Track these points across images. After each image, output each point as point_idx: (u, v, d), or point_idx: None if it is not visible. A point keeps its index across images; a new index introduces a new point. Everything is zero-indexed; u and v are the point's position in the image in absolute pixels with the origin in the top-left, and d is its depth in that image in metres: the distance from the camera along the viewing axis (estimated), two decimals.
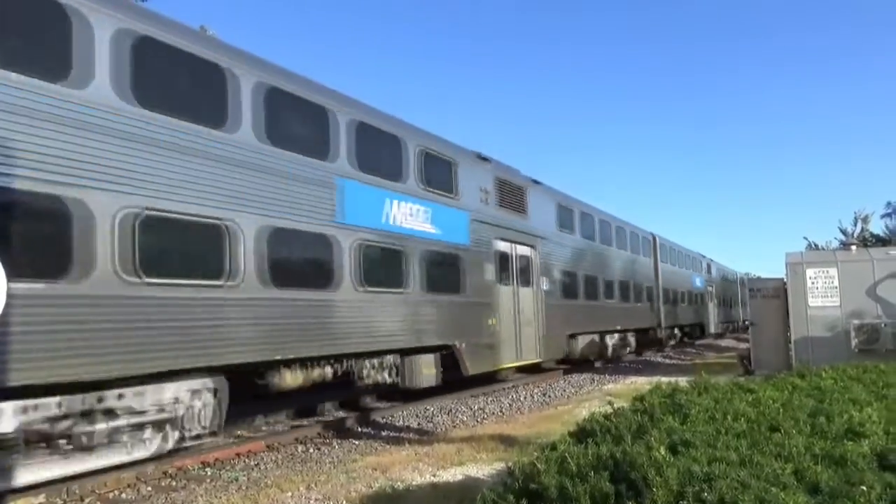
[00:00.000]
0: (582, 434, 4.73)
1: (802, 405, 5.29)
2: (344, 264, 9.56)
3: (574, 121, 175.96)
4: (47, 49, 6.34)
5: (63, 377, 6.13)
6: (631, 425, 4.57)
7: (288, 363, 9.05)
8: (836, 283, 14.57)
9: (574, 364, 18.88)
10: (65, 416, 6.39)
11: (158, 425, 7.34)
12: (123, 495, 6.76)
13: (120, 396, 6.83)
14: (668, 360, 23.81)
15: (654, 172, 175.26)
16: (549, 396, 13.74)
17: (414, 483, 6.65)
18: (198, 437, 7.79)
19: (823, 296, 14.63)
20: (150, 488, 6.97)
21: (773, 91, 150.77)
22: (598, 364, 20.56)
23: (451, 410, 11.77)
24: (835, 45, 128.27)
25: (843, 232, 31.73)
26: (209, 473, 7.53)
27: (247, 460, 8.16)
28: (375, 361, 10.79)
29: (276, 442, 9.01)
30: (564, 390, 14.77)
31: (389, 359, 11.00)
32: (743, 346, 26.39)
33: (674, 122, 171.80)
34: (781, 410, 5.05)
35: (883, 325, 13.78)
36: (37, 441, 6.31)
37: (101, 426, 6.70)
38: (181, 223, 7.32)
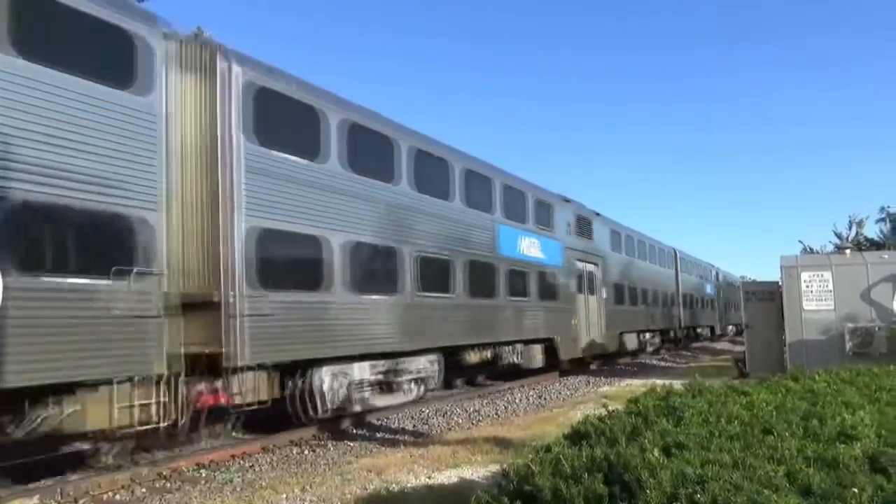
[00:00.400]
0: (576, 436, 4.73)
1: (796, 408, 5.31)
2: (501, 283, 14.42)
3: (572, 123, 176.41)
4: (311, 140, 9.53)
5: (386, 349, 10.68)
6: (625, 427, 4.58)
7: (472, 347, 13.84)
8: (830, 286, 14.64)
9: (574, 365, 19.01)
10: (384, 372, 10.84)
11: (417, 381, 11.82)
12: (118, 497, 6.76)
13: (403, 363, 11.27)
14: (662, 363, 23.87)
15: (651, 174, 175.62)
16: (545, 399, 13.76)
17: (409, 485, 6.66)
18: (432, 389, 12.76)
19: (818, 299, 14.69)
20: (144, 490, 6.96)
21: (771, 95, 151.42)
22: (593, 367, 20.71)
23: (446, 412, 11.78)
24: (832, 49, 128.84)
25: (838, 236, 31.85)
26: (204, 475, 7.52)
27: (241, 462, 8.16)
28: (510, 348, 15.31)
29: (271, 444, 9.01)
30: (560, 393, 14.79)
31: (518, 347, 15.54)
32: (738, 348, 26.46)
33: (671, 125, 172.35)
34: (775, 413, 5.06)
35: (877, 329, 13.85)
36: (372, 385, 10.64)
37: (398, 379, 11.15)
38: (430, 259, 12.05)
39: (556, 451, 3.98)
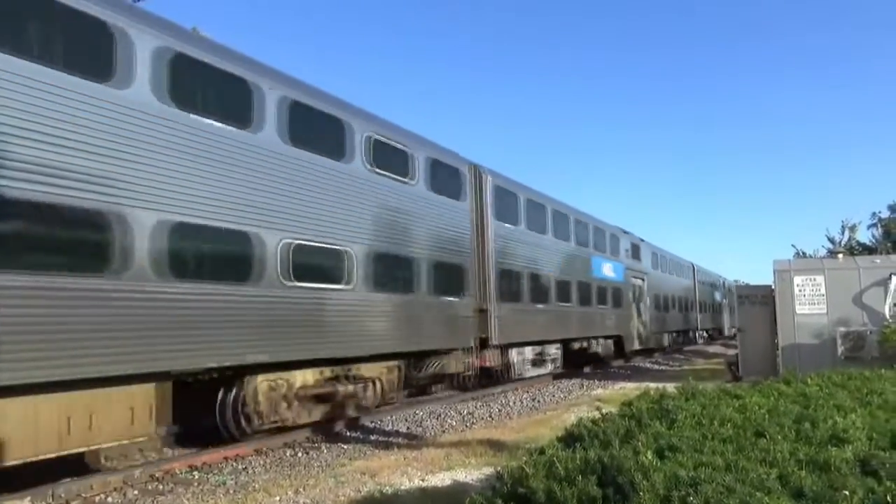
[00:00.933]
0: (570, 439, 4.75)
1: (788, 411, 5.34)
2: (594, 295, 20.54)
3: (569, 123, 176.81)
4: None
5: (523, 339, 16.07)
6: (619, 430, 4.60)
7: (578, 339, 19.45)
8: (823, 290, 14.71)
9: (575, 367, 19.15)
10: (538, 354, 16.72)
11: (552, 361, 17.80)
12: (110, 499, 6.73)
13: (546, 348, 17.35)
14: (656, 366, 23.92)
15: (647, 174, 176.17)
16: (539, 402, 13.78)
17: (402, 487, 6.66)
18: (556, 368, 18.25)
19: (811, 303, 14.77)
20: (136, 492, 6.94)
21: (768, 96, 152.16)
22: (587, 370, 20.81)
23: (440, 415, 11.78)
24: (830, 49, 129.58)
25: (831, 240, 31.99)
26: (196, 477, 7.50)
27: (234, 464, 8.13)
28: (595, 342, 20.88)
29: (265, 446, 8.98)
30: (553, 395, 14.81)
31: (601, 341, 21.37)
32: (731, 352, 26.53)
33: (667, 126, 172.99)
34: (767, 416, 5.09)
35: (868, 333, 13.92)
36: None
37: (543, 358, 17.13)
38: (561, 282, 18.23)
39: (550, 453, 3.99)
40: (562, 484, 3.42)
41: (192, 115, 7.71)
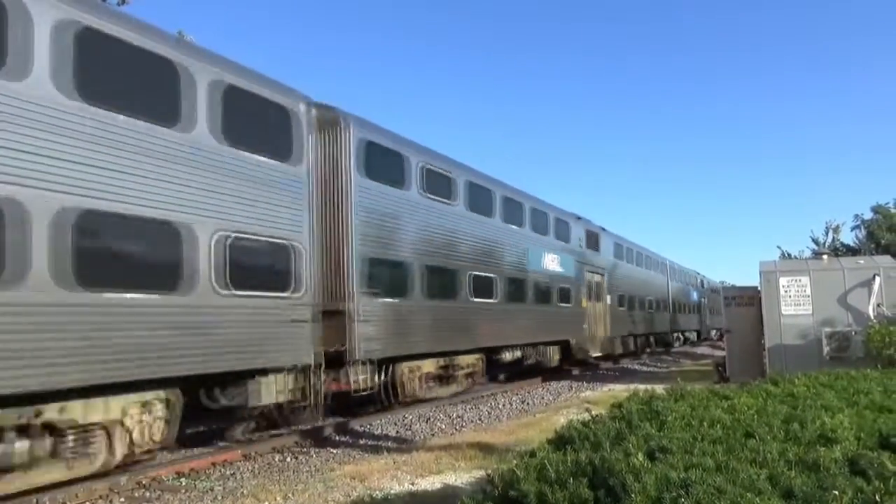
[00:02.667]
0: (560, 441, 4.74)
1: (776, 412, 5.37)
2: (531, 291, 16.95)
3: (558, 128, 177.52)
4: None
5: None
6: (609, 432, 4.60)
7: (507, 347, 16.19)
8: (808, 291, 14.83)
9: (557, 371, 19.11)
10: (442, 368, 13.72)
11: (468, 375, 14.66)
12: None
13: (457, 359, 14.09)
14: (644, 368, 24.02)
15: (632, 179, 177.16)
16: (528, 404, 13.78)
17: (392, 492, 6.63)
18: (474, 384, 15.10)
19: (796, 304, 14.88)
20: (123, 499, 6.86)
21: (749, 103, 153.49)
22: (576, 371, 20.83)
23: (429, 418, 11.75)
24: (813, 58, 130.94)
25: (816, 242, 32.35)
26: (184, 483, 7.42)
27: (223, 470, 8.06)
28: (533, 349, 17.43)
29: (253, 451, 8.91)
30: (543, 398, 14.82)
31: (542, 348, 17.96)
32: (718, 353, 26.72)
33: (654, 130, 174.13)
34: (756, 417, 5.11)
35: (853, 333, 14.05)
36: None
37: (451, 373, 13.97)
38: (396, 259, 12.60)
39: (541, 456, 3.98)
40: (553, 486, 3.41)
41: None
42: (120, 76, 7.13)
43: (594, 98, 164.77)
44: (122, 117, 6.95)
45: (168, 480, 7.53)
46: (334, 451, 9.07)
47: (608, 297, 23.04)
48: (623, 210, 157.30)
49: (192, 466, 8.01)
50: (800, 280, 14.95)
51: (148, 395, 7.37)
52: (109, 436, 7.04)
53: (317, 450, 9.19)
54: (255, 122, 8.77)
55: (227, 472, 7.92)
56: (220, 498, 6.75)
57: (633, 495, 3.15)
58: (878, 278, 14.32)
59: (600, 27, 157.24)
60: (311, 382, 9.24)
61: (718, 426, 4.70)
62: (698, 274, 45.13)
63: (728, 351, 16.84)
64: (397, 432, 10.54)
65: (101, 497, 6.84)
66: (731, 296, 17.32)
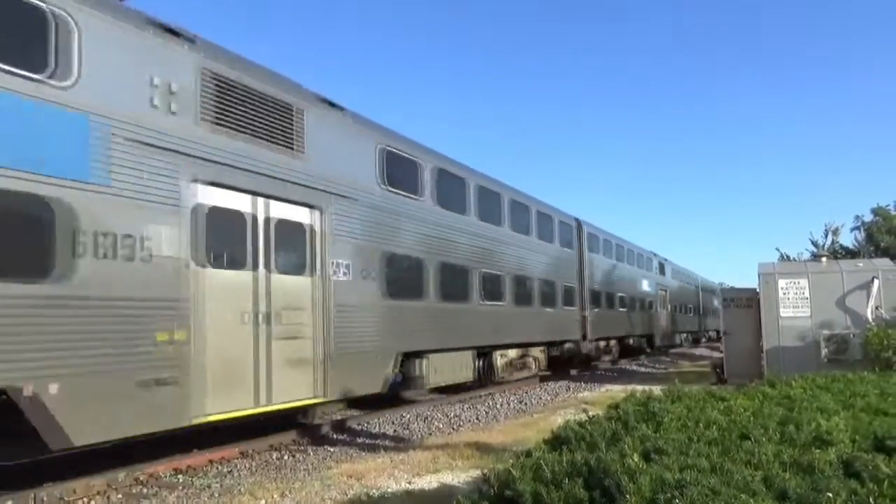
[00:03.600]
0: (557, 441, 4.76)
1: (772, 413, 5.39)
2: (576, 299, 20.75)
3: (556, 128, 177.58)
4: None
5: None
6: (605, 433, 4.62)
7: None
8: (806, 293, 14.86)
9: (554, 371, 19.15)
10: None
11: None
12: (93, 503, 6.65)
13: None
14: (642, 369, 24.04)
15: (633, 181, 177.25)
16: (526, 404, 13.79)
17: (389, 490, 6.64)
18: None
19: (795, 306, 14.91)
20: (120, 495, 6.87)
21: (750, 103, 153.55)
22: (574, 372, 20.88)
23: (427, 417, 11.76)
24: (813, 59, 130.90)
25: (815, 244, 32.37)
26: (181, 480, 7.43)
27: (220, 467, 8.07)
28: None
29: (250, 448, 8.92)
30: (541, 398, 14.84)
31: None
32: (716, 355, 26.74)
33: (653, 130, 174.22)
34: (752, 419, 5.14)
35: (851, 336, 14.07)
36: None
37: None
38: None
39: (537, 456, 4.00)
40: (549, 486, 3.43)
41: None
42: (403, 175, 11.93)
43: (592, 98, 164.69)
44: (411, 200, 12.17)
45: (165, 477, 7.54)
46: (332, 450, 9.08)
47: (669, 306, 31.35)
48: (621, 209, 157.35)
49: (190, 463, 8.02)
50: (798, 282, 14.98)
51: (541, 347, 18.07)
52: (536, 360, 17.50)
53: (314, 448, 9.20)
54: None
55: (225, 470, 7.93)
56: (216, 495, 6.75)
57: (627, 496, 3.16)
58: (876, 281, 14.34)
59: (600, 27, 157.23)
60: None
61: (714, 427, 4.72)
62: (717, 284, 50.50)
63: (726, 352, 16.86)
64: (395, 431, 10.56)
65: (98, 493, 6.85)
66: (730, 297, 17.34)
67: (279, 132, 9.11)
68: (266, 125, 8.91)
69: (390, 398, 12.51)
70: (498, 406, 13.35)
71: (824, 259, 17.18)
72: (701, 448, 4.07)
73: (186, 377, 7.31)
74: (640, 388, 10.25)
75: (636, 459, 3.66)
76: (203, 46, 8.19)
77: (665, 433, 4.57)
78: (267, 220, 8.81)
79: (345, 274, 10.01)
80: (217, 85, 8.21)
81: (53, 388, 6.11)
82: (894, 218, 27.33)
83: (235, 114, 8.43)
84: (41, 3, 6.37)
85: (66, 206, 6.34)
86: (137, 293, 6.90)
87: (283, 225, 9.07)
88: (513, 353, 16.43)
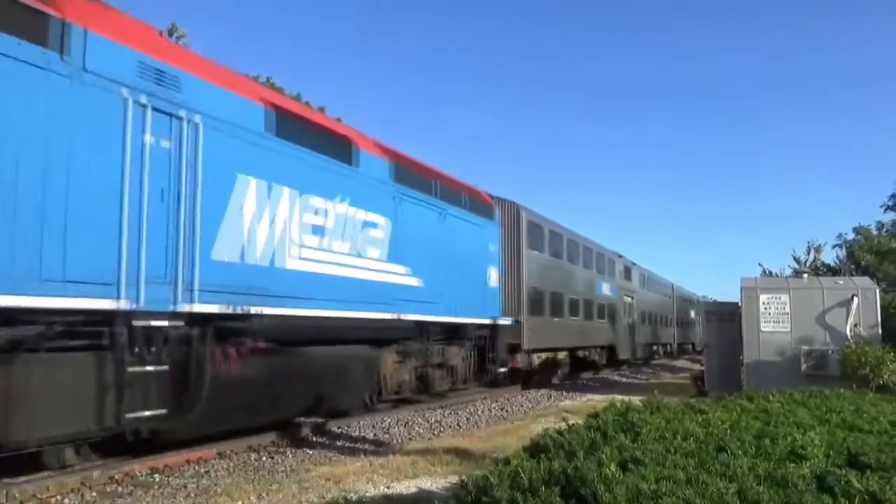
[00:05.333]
0: (536, 449, 4.78)
1: (749, 427, 5.45)
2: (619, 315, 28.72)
3: (534, 141, 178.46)
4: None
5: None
6: (584, 442, 4.65)
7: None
8: (787, 309, 15.02)
9: (534, 380, 19.16)
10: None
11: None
12: (66, 501, 6.56)
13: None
14: (624, 379, 24.16)
15: (623, 195, 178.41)
16: (507, 411, 13.81)
17: (367, 494, 6.62)
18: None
19: (775, 321, 15.06)
20: (94, 494, 6.78)
21: (739, 119, 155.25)
22: (555, 381, 20.90)
23: (407, 422, 11.74)
24: (797, 79, 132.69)
25: (797, 260, 32.70)
26: (157, 480, 7.36)
27: (197, 467, 8.00)
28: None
29: (228, 449, 8.85)
30: (522, 405, 14.86)
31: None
32: (697, 367, 26.94)
33: (641, 145, 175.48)
34: (729, 432, 5.19)
35: (830, 352, 14.23)
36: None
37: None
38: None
39: (515, 463, 4.02)
40: (525, 494, 3.44)
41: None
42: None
43: (583, 102, 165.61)
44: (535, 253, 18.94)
45: (141, 476, 7.46)
46: (310, 452, 9.03)
47: (636, 314, 31.03)
48: (618, 225, 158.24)
49: (167, 463, 7.94)
50: (780, 297, 15.14)
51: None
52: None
53: (293, 450, 9.16)
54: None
55: (202, 470, 7.86)
56: (193, 495, 6.69)
57: None
58: (856, 299, 14.53)
59: (590, 33, 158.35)
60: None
61: (692, 439, 4.76)
62: (695, 294, 52.52)
63: (706, 365, 16.99)
64: (375, 435, 10.53)
65: (72, 490, 6.77)
66: (712, 311, 17.48)
67: (629, 277, 30.03)
68: (628, 276, 29.93)
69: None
70: (479, 413, 13.36)
71: (806, 275, 17.39)
72: (677, 459, 4.10)
73: (624, 347, 29.21)
74: (620, 398, 10.32)
75: (613, 469, 3.69)
76: (523, 207, 18.23)
77: (643, 444, 4.61)
78: (626, 302, 29.39)
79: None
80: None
81: (617, 346, 27.87)
82: (875, 238, 27.71)
83: (626, 275, 29.29)
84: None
85: (616, 304, 27.96)
86: (620, 324, 28.61)
87: (628, 304, 29.44)
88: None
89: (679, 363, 36.89)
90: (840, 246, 30.91)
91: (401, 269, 11.48)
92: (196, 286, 7.40)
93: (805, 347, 14.50)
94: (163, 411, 7.06)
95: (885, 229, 28.66)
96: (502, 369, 15.47)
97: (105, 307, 6.44)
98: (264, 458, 8.62)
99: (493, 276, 15.14)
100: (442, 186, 13.26)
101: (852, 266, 27.33)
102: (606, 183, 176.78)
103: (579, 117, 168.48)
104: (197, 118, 7.54)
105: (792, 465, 4.08)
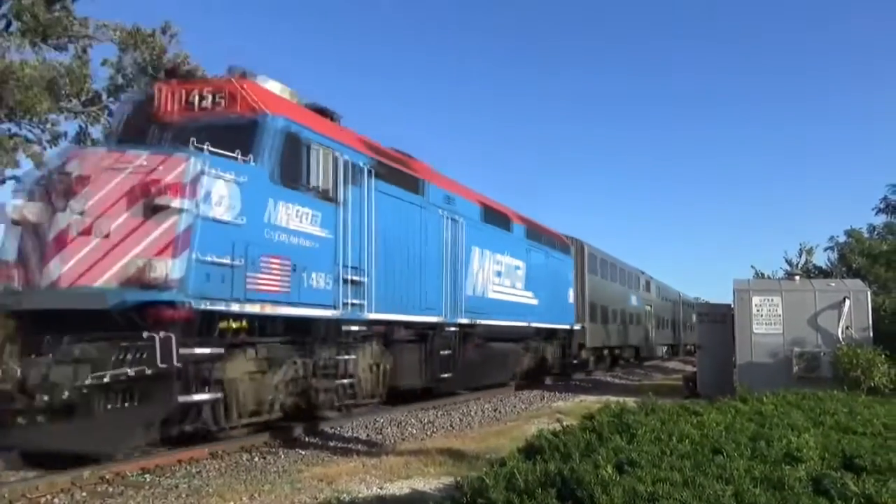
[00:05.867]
0: (531, 450, 4.76)
1: (744, 429, 5.45)
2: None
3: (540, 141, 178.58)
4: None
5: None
6: (579, 443, 4.63)
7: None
8: (779, 311, 15.06)
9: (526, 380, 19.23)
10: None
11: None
12: (56, 500, 6.50)
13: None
14: (616, 380, 24.21)
15: (617, 196, 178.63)
16: (500, 412, 13.80)
17: (360, 495, 6.58)
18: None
19: (767, 323, 15.09)
20: (84, 493, 6.72)
21: (729, 124, 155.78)
22: (548, 381, 20.94)
23: (400, 423, 11.71)
24: (786, 86, 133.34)
25: (789, 262, 32.83)
26: (148, 480, 7.29)
27: (188, 467, 7.94)
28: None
29: (220, 449, 8.79)
30: (515, 406, 14.85)
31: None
32: (689, 368, 27.02)
33: (633, 148, 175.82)
34: (724, 433, 5.18)
35: (822, 354, 14.28)
36: None
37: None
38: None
39: (511, 465, 3.99)
40: (522, 496, 3.42)
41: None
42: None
43: (566, 114, 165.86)
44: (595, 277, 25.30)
45: (132, 476, 7.39)
46: (303, 453, 8.99)
47: (653, 320, 35.92)
48: (613, 226, 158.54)
49: (158, 463, 7.87)
50: (772, 300, 15.18)
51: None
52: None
53: (285, 450, 9.10)
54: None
55: (193, 471, 7.80)
56: (184, 496, 6.64)
57: None
58: (847, 301, 14.59)
59: (578, 43, 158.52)
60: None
61: (687, 441, 4.76)
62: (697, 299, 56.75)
63: (699, 367, 17.04)
64: (368, 436, 10.49)
65: (62, 490, 6.70)
66: (704, 312, 17.53)
67: (648, 289, 35.40)
68: (647, 287, 35.19)
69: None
70: (472, 413, 13.33)
71: (798, 278, 17.45)
72: (674, 461, 4.09)
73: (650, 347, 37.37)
74: (613, 399, 10.32)
75: (609, 471, 3.67)
76: (585, 243, 23.90)
77: (638, 445, 4.59)
78: (646, 309, 35.02)
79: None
80: (589, 255, 24.38)
81: (642, 345, 36.23)
82: (867, 241, 27.83)
83: (646, 287, 34.74)
84: None
85: (640, 311, 34.60)
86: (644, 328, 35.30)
87: (648, 311, 35.68)
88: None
89: (671, 364, 37.02)
90: (832, 248, 31.04)
91: (528, 294, 17.72)
92: (461, 309, 13.70)
93: (797, 349, 14.54)
94: (449, 374, 13.32)
95: (876, 232, 28.80)
96: (575, 361, 22.61)
97: (434, 321, 12.70)
98: (256, 459, 8.57)
99: (571, 295, 21.62)
100: (546, 236, 19.89)
101: (844, 268, 27.46)
102: (604, 186, 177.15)
103: (572, 118, 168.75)
104: (460, 219, 13.95)
105: (788, 467, 4.07)
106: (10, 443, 7.25)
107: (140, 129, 8.67)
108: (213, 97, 8.40)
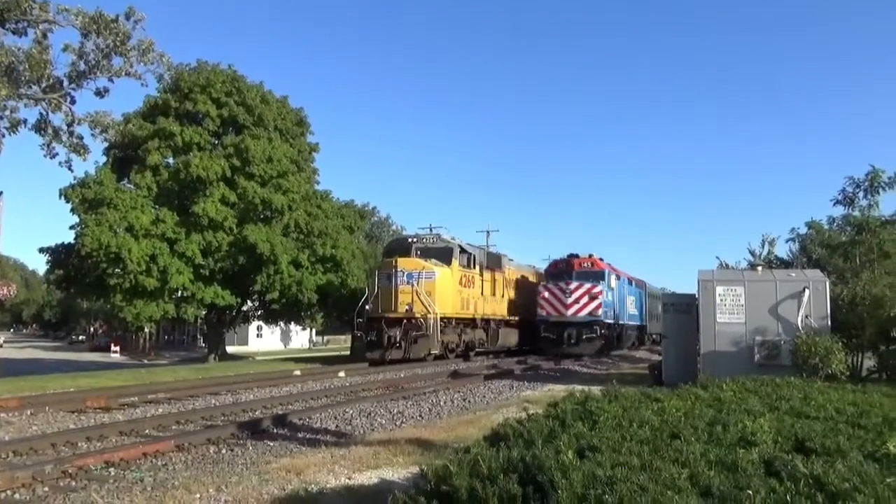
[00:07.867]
0: (496, 438, 4.83)
1: (702, 414, 5.60)
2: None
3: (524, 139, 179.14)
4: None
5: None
6: (543, 430, 4.71)
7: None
8: (742, 300, 15.38)
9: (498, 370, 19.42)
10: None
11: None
12: (17, 496, 6.41)
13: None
14: (585, 369, 24.50)
15: (587, 194, 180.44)
16: (469, 402, 13.90)
17: (328, 486, 6.60)
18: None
19: (731, 312, 15.41)
20: (46, 488, 6.63)
21: (697, 123, 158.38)
22: (517, 371, 21.15)
23: (370, 413, 11.74)
24: (746, 80, 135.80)
25: (752, 253, 33.48)
26: (112, 473, 7.23)
27: (154, 460, 7.88)
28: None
29: (187, 442, 8.73)
30: (484, 396, 14.97)
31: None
32: (656, 357, 27.49)
33: (606, 143, 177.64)
34: (683, 419, 5.32)
35: (782, 343, 14.65)
36: None
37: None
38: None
39: (475, 452, 4.05)
40: (484, 482, 3.48)
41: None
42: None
43: (540, 111, 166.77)
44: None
45: (96, 470, 7.31)
46: (271, 444, 8.97)
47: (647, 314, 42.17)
48: (587, 224, 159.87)
49: (122, 456, 7.80)
50: (735, 290, 15.50)
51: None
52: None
53: (253, 442, 9.08)
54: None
55: (159, 463, 7.75)
56: (149, 489, 6.58)
57: (559, 491, 3.24)
58: (807, 291, 14.97)
59: (567, 44, 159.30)
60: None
61: (647, 427, 4.87)
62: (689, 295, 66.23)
63: (664, 355, 17.35)
64: (336, 426, 10.50)
65: (23, 485, 6.60)
66: (670, 302, 17.84)
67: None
68: (646, 294, 41.52)
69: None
70: (441, 403, 13.42)
71: (760, 268, 17.83)
72: (633, 446, 4.20)
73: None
74: (580, 388, 10.48)
75: (570, 456, 3.75)
76: (644, 281, 42.44)
77: (600, 432, 4.70)
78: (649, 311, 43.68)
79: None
80: (647, 285, 42.45)
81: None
82: (826, 232, 28.51)
83: (643, 293, 41.29)
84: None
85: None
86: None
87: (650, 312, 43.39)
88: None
89: (639, 354, 37.62)
90: (793, 240, 31.72)
91: (636, 310, 36.60)
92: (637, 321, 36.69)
93: (758, 338, 14.89)
94: (620, 342, 33.58)
95: (835, 223, 29.53)
96: (645, 344, 40.77)
97: (637, 323, 37.07)
98: (224, 451, 8.53)
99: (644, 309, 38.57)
100: (636, 281, 37.69)
101: (804, 259, 28.12)
102: (581, 180, 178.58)
103: (565, 115, 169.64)
104: (644, 291, 38.98)
105: (742, 450, 4.21)
106: None
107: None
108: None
